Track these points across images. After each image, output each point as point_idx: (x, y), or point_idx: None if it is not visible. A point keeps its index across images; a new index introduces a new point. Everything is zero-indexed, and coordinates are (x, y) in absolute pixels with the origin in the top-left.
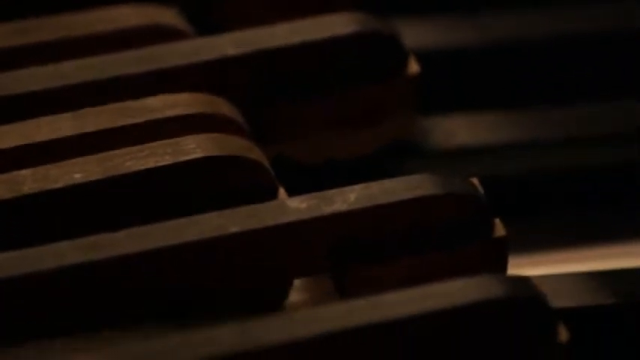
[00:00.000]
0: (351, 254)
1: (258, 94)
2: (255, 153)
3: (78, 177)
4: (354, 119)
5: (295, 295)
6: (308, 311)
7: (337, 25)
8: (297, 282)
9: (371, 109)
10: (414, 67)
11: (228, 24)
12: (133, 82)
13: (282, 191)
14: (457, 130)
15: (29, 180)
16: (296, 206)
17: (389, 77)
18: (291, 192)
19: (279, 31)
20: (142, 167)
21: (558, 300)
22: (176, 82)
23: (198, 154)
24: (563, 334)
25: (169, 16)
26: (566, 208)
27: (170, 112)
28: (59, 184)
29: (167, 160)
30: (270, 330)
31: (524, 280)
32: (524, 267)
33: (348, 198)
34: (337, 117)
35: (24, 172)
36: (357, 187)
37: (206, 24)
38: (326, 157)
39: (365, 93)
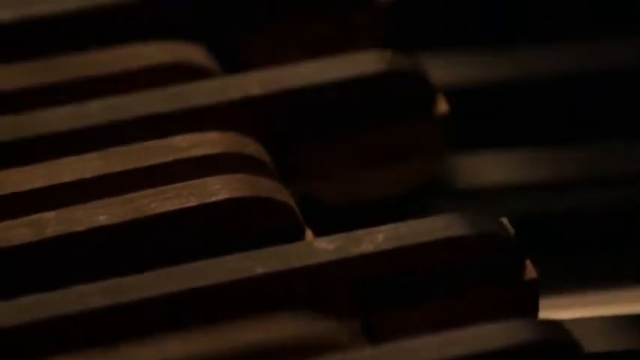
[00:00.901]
0: (378, 296)
1: (283, 133)
2: (281, 193)
3: (102, 219)
4: (381, 159)
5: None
6: (336, 357)
7: (364, 63)
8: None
9: (398, 148)
10: (442, 105)
11: (254, 61)
12: (159, 121)
13: (309, 232)
14: (485, 168)
15: (53, 222)
16: (323, 247)
17: (416, 116)
18: (318, 232)
19: (306, 69)
20: (168, 209)
21: (590, 344)
22: (202, 121)
23: (223, 196)
24: None
25: (196, 54)
26: (597, 248)
27: (196, 152)
28: (83, 227)
29: (192, 202)
30: None
31: (557, 325)
32: (555, 309)
33: (376, 239)
34: (364, 156)
35: (48, 213)
36: (385, 228)
37: (232, 62)
38: (353, 196)
39: (392, 132)
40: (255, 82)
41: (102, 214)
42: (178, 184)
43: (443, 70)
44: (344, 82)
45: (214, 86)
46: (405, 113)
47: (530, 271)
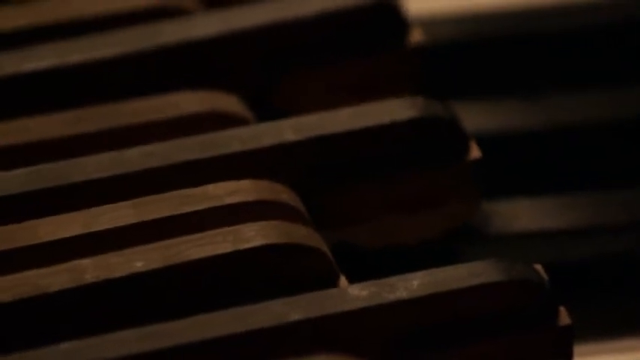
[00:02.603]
0: (412, 342)
1: (317, 179)
2: (315, 240)
3: (139, 265)
4: (415, 204)
5: None
6: None
7: (397, 110)
8: None
9: (431, 194)
10: (475, 152)
11: (288, 108)
12: (194, 169)
13: (342, 278)
14: (519, 214)
15: (90, 269)
16: (357, 294)
17: (449, 163)
18: (352, 278)
19: (339, 116)
20: (203, 255)
21: None
22: (236, 169)
23: (258, 242)
24: None
25: (229, 102)
26: (632, 293)
27: (230, 200)
28: (120, 273)
29: (227, 248)
30: None
31: None
32: (590, 355)
33: (411, 285)
34: (397, 202)
35: (85, 260)
36: (420, 274)
37: (266, 109)
38: (387, 242)
39: (425, 178)
40: (289, 129)
41: (138, 260)
42: (213, 231)
43: (476, 117)
44: (378, 128)
45: (249, 133)
46: (439, 159)
47: (564, 318)
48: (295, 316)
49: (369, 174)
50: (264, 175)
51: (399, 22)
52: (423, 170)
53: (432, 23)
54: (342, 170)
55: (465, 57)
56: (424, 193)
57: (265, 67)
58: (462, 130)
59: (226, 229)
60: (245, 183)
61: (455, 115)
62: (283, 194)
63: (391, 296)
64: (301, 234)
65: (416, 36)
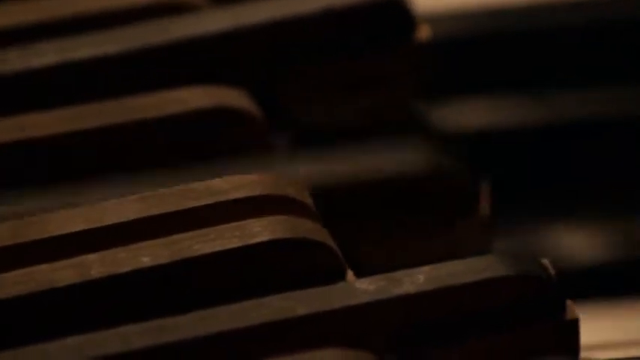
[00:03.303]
0: (419, 337)
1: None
2: (322, 234)
3: (146, 260)
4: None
5: None
6: None
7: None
8: None
9: (380, 75)
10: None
11: (294, 104)
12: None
13: (349, 273)
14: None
15: (97, 264)
16: (364, 288)
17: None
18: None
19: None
20: (210, 250)
21: None
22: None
23: (264, 237)
24: None
25: (236, 97)
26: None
27: (236, 194)
28: (127, 268)
29: (234, 243)
30: None
31: None
32: (596, 350)
33: (417, 279)
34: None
35: (91, 256)
36: (426, 269)
37: (272, 105)
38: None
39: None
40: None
41: (145, 255)
42: (220, 226)
43: (481, 112)
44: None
45: None
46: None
47: (571, 312)
48: (302, 310)
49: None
50: None
51: (406, 18)
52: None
53: (438, 20)
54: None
55: (472, 53)
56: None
57: (272, 64)
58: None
59: (233, 224)
60: (251, 177)
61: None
62: (289, 188)
63: (398, 290)
64: (308, 228)
65: (423, 32)
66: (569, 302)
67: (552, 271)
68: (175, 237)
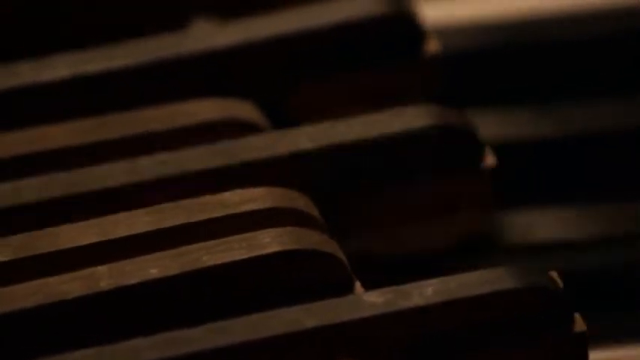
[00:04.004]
0: (427, 349)
1: (333, 187)
2: (330, 246)
3: (154, 272)
4: (429, 212)
5: None
6: None
7: (412, 118)
8: None
9: (446, 202)
10: (490, 160)
11: (304, 117)
12: (209, 177)
13: (358, 285)
14: (535, 224)
15: (106, 276)
16: (372, 301)
17: (465, 170)
18: (368, 286)
19: (355, 124)
20: (218, 262)
21: None
22: (252, 177)
23: (273, 249)
24: None
25: (246, 110)
26: None
27: (246, 207)
28: (135, 280)
29: (243, 255)
30: None
31: None
32: None
33: (426, 292)
34: (413, 210)
35: (100, 268)
36: (434, 282)
37: (281, 117)
38: (402, 251)
39: (440, 186)
40: (305, 137)
41: (154, 267)
42: (229, 238)
43: (491, 125)
44: (393, 136)
45: (264, 141)
46: (453, 167)
47: (580, 324)
48: (310, 322)
49: (384, 182)
50: (280, 183)
51: (415, 31)
52: (438, 178)
53: (447, 33)
54: (357, 178)
55: (480, 66)
56: (439, 201)
57: (282, 77)
58: (477, 138)
59: (241, 235)
60: (260, 190)
61: (470, 123)
62: (299, 201)
63: (406, 303)
64: (316, 240)
65: (432, 46)
66: (577, 315)
67: (560, 284)
68: (184, 249)
